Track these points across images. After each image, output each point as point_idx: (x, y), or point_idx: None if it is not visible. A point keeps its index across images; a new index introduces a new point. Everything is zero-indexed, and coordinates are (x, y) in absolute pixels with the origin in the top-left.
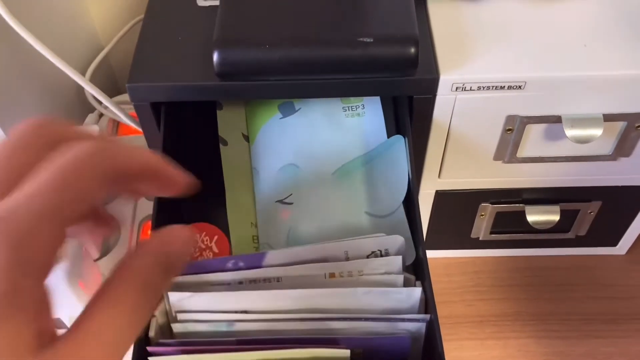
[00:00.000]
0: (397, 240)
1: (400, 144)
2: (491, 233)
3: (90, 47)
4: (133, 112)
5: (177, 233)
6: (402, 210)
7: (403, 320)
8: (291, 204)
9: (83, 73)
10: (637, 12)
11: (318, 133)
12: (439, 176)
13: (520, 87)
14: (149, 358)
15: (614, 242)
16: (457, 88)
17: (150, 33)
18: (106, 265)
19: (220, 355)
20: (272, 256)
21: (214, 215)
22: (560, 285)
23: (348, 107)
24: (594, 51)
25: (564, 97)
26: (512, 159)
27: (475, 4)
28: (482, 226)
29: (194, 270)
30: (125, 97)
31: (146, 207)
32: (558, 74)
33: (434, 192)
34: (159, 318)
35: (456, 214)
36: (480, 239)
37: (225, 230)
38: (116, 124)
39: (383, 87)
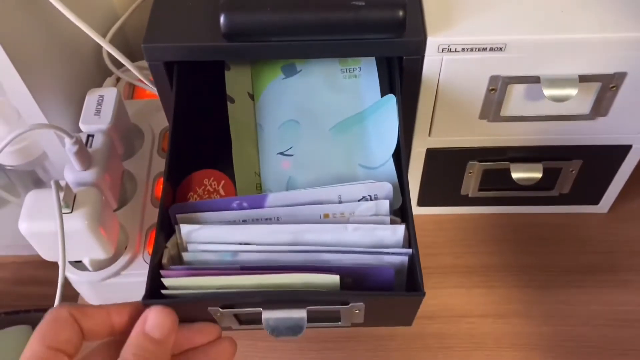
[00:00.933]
0: (385, 187)
1: (391, 102)
2: (479, 190)
3: (108, 16)
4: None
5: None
6: (391, 162)
7: (388, 253)
8: (291, 155)
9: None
10: None
11: (317, 93)
12: (429, 134)
13: (501, 48)
14: (162, 279)
15: (596, 201)
16: (443, 49)
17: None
18: (124, 215)
19: (224, 278)
20: (273, 198)
21: (222, 167)
22: (544, 240)
23: (345, 69)
24: (571, 15)
25: (543, 59)
26: (496, 117)
27: None
28: (470, 183)
29: (202, 208)
30: (141, 64)
31: (160, 163)
32: (536, 37)
33: (424, 150)
34: (170, 249)
35: (446, 171)
36: (469, 195)
37: (232, 178)
38: (132, 88)
39: (374, 48)
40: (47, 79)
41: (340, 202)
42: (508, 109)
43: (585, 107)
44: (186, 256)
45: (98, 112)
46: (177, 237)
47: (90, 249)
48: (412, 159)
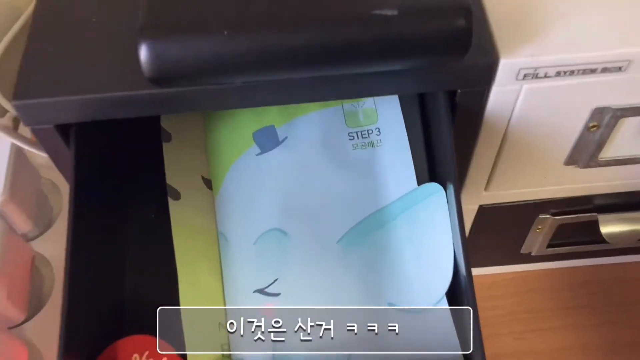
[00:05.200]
0: None
1: (439, 195)
2: (548, 247)
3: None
4: None
5: None
6: (445, 302)
7: None
8: (277, 295)
9: None
10: None
11: (314, 176)
12: (485, 188)
13: (620, 68)
14: None
15: None
16: (525, 75)
17: (47, 20)
18: (36, 327)
19: None
20: None
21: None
22: (634, 303)
23: (357, 132)
24: None
25: None
26: (592, 162)
27: None
28: (537, 241)
29: None
30: None
31: None
32: None
33: (476, 207)
34: None
35: (504, 229)
36: (533, 254)
37: (178, 343)
38: None
39: (412, 82)
40: None
41: None
42: (611, 150)
43: None
44: None
45: None
46: None
47: None
48: None
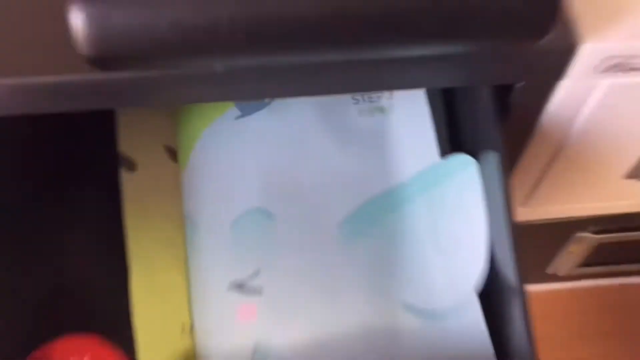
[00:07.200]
0: None
1: (469, 171)
2: (580, 266)
3: None
4: None
5: None
6: (475, 303)
7: None
8: (259, 292)
9: None
10: None
11: (308, 146)
12: (522, 204)
13: None
14: None
15: None
16: (609, 67)
17: None
18: None
19: None
20: None
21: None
22: None
23: (363, 95)
24: None
25: None
26: None
27: None
28: (568, 261)
29: None
30: None
31: None
32: None
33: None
34: None
35: (532, 248)
36: (560, 274)
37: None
38: None
39: (460, 71)
40: None
41: None
42: None
43: None
44: None
45: None
46: None
47: None
48: None
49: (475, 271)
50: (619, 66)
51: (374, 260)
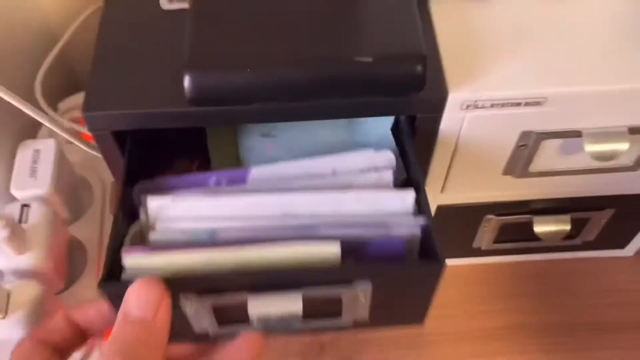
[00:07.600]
0: (388, 156)
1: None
2: (494, 242)
3: (43, 40)
4: None
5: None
6: (390, 135)
7: (397, 225)
8: (275, 136)
9: (36, 70)
10: None
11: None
12: (441, 191)
13: (539, 103)
14: (122, 259)
15: (621, 245)
16: (467, 106)
17: (107, 47)
18: (72, 295)
19: (199, 255)
20: (257, 172)
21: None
22: (566, 292)
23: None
24: (619, 58)
25: (586, 111)
26: (524, 173)
27: (484, 3)
28: (485, 237)
29: (173, 185)
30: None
31: None
32: (582, 88)
33: (435, 206)
34: (134, 234)
35: (458, 226)
36: (483, 248)
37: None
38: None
39: (382, 109)
40: None
41: (334, 174)
42: (538, 165)
43: (628, 159)
44: (153, 235)
45: (34, 173)
46: (143, 217)
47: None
48: None
49: (389, 121)
50: (472, 105)
51: (336, 125)
